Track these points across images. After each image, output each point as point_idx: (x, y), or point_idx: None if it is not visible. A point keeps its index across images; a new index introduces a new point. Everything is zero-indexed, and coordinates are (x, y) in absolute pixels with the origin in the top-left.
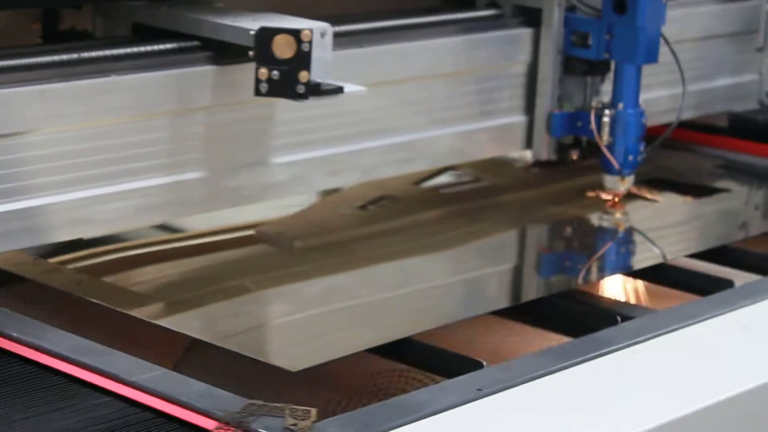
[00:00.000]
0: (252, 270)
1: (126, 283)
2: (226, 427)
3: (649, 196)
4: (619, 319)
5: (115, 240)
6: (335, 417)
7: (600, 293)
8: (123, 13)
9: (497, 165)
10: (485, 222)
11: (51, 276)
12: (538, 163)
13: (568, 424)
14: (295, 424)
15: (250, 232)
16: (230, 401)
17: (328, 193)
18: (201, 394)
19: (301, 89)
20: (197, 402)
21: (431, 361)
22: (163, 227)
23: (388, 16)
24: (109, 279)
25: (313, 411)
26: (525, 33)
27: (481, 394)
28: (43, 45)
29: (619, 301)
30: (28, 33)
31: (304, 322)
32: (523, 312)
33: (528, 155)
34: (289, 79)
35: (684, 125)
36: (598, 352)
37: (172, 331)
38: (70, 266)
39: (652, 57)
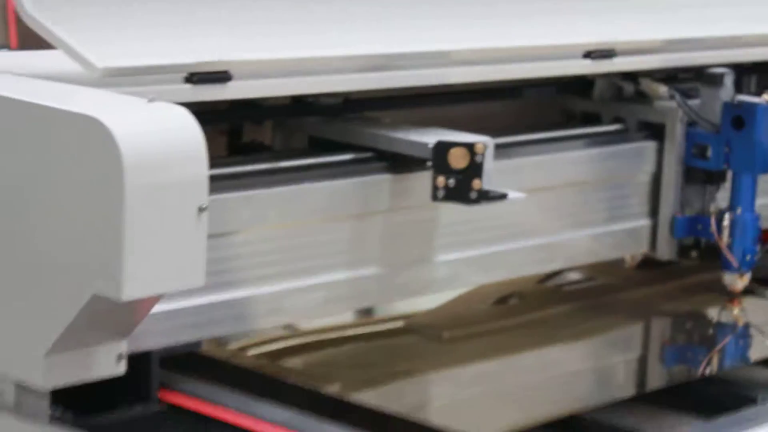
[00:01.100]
0: (411, 356)
1: (304, 365)
2: None
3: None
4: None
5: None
6: None
7: (730, 379)
8: (300, 128)
9: (607, 264)
10: (607, 317)
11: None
12: (642, 264)
13: None
14: None
15: (402, 323)
16: None
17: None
18: None
19: (473, 195)
20: None
21: None
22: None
23: (527, 130)
24: (284, 363)
25: None
26: (650, 146)
27: None
28: (241, 156)
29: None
30: (214, 145)
31: (468, 402)
32: (659, 397)
33: (629, 257)
34: (463, 186)
35: None
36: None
37: (361, 406)
38: (252, 351)
39: (767, 167)
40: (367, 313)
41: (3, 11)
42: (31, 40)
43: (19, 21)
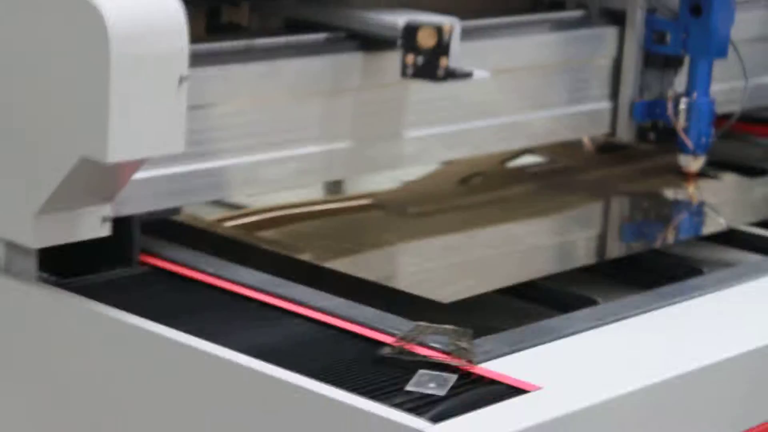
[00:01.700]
0: (379, 230)
1: (277, 236)
2: (403, 342)
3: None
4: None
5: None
6: (490, 336)
7: (679, 253)
8: (276, 10)
9: (566, 148)
10: (559, 198)
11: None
12: (601, 148)
13: (678, 349)
14: (459, 340)
15: (370, 200)
16: (400, 323)
17: (429, 170)
18: (375, 318)
19: (441, 73)
20: (374, 323)
21: (553, 300)
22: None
23: (494, 15)
24: (257, 234)
25: (470, 331)
26: (611, 31)
27: (600, 323)
28: (219, 35)
29: (698, 259)
30: (195, 25)
31: (434, 271)
32: (612, 268)
33: (588, 140)
34: (430, 64)
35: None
36: (690, 295)
37: (334, 272)
38: (227, 224)
39: (723, 53)
40: (336, 191)
41: None
42: None
43: None
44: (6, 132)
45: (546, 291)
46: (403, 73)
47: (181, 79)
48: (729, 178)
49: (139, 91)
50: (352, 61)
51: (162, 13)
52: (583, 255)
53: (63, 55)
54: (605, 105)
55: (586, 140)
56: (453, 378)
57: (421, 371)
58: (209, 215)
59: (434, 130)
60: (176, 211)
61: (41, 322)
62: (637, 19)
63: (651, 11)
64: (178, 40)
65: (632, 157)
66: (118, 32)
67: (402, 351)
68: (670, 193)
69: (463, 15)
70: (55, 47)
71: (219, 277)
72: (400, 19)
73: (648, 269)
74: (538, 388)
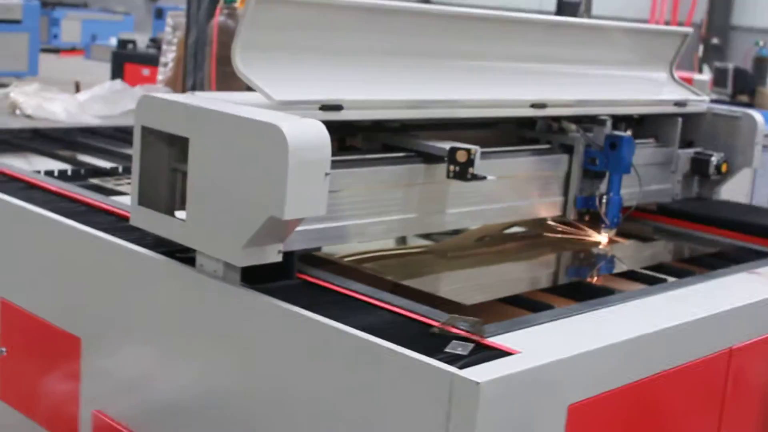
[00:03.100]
0: (430, 265)
1: (373, 266)
2: (444, 325)
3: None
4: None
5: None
6: (492, 323)
7: (600, 282)
8: (377, 138)
9: (537, 223)
10: (534, 250)
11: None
12: (560, 222)
13: (599, 331)
14: (475, 325)
15: (426, 248)
16: (442, 315)
17: (455, 233)
18: (428, 312)
19: (469, 176)
20: (428, 314)
21: (529, 305)
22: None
23: (499, 146)
24: (364, 264)
25: (481, 320)
26: (565, 157)
27: (556, 318)
28: (345, 152)
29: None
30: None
31: (461, 288)
32: (562, 289)
33: (550, 218)
34: (463, 171)
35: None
36: (607, 303)
37: (404, 286)
38: (346, 258)
39: (627, 171)
40: (404, 242)
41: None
42: (221, 85)
43: (218, 71)
44: (228, 199)
45: (525, 300)
46: (447, 176)
47: (326, 174)
48: (629, 243)
49: (303, 179)
50: (419, 168)
51: (317, 135)
52: (546, 281)
53: (265, 157)
54: (560, 198)
55: (548, 219)
56: (471, 346)
57: (453, 341)
58: (336, 253)
59: (464, 209)
60: (318, 249)
61: (241, 310)
62: (579, 150)
63: (587, 146)
64: (325, 151)
65: (574, 230)
66: (293, 144)
67: (443, 330)
68: (596, 250)
69: (483, 144)
70: (259, 152)
71: (341, 286)
72: (447, 145)
73: (583, 291)
74: (518, 352)
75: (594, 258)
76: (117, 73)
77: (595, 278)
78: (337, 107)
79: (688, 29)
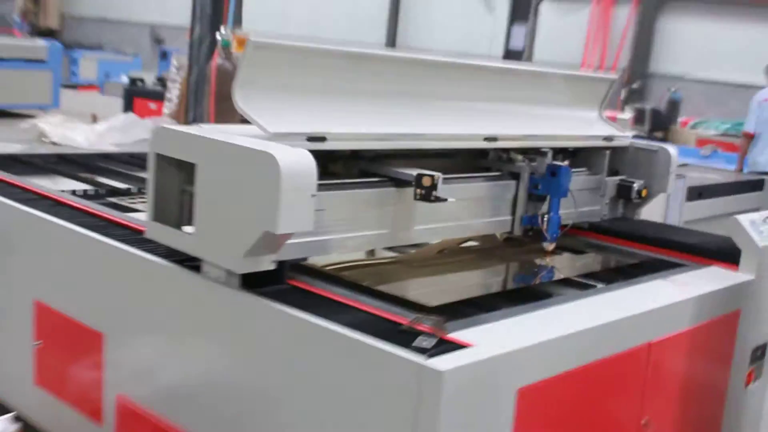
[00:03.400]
0: (400, 273)
1: (351, 274)
2: (411, 322)
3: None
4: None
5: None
6: (452, 321)
7: (541, 288)
8: (355, 166)
9: (489, 238)
10: (486, 261)
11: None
12: (506, 239)
13: (545, 326)
14: (438, 322)
15: (395, 259)
16: (410, 314)
17: (420, 246)
18: (399, 311)
19: (432, 198)
20: (398, 313)
21: (482, 306)
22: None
23: (459, 173)
24: (344, 272)
25: (443, 318)
26: (513, 183)
27: (506, 316)
28: (327, 177)
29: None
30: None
31: (427, 292)
32: (510, 294)
33: (499, 234)
34: (428, 194)
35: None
36: (547, 304)
37: (378, 291)
38: (328, 267)
39: (565, 195)
40: (372, 253)
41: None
42: (218, 118)
43: (216, 106)
44: (229, 216)
45: (479, 302)
46: (414, 198)
47: (313, 196)
48: (566, 255)
49: (292, 199)
50: (391, 191)
51: (305, 163)
52: (496, 287)
53: (258, 181)
54: (509, 217)
55: (498, 234)
56: (435, 340)
57: (420, 336)
58: (319, 262)
59: (428, 226)
60: (305, 259)
61: (241, 310)
62: (525, 177)
63: (531, 173)
64: (312, 176)
65: (520, 244)
66: (284, 169)
67: (411, 327)
68: (538, 261)
69: (444, 171)
70: (253, 176)
71: (324, 290)
72: (414, 172)
73: (527, 294)
74: (472, 345)
75: (536, 267)
76: (128, 106)
77: (538, 284)
78: (322, 138)
79: (615, 76)
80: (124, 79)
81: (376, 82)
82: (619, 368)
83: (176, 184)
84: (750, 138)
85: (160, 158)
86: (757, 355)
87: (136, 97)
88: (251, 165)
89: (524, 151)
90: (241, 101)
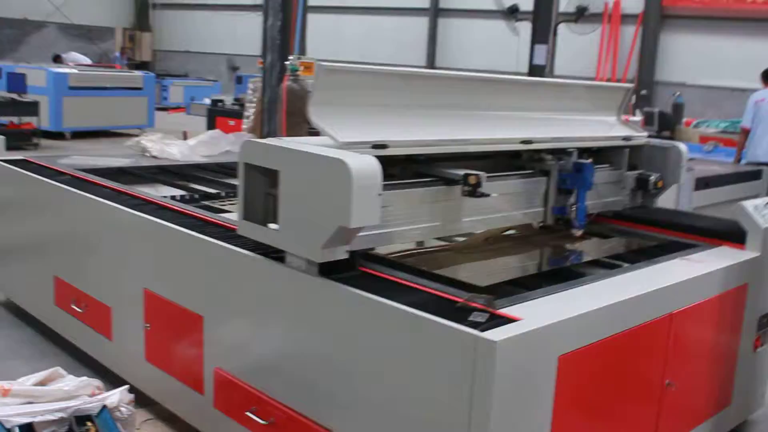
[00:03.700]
0: (452, 258)
1: (412, 260)
2: (466, 301)
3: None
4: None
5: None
6: (501, 298)
7: (573, 268)
8: (412, 167)
9: (526, 227)
10: (525, 246)
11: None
12: (543, 226)
13: (581, 302)
14: (489, 300)
15: (447, 246)
16: (464, 293)
17: (467, 235)
18: (454, 292)
19: (478, 194)
20: (454, 293)
21: (525, 285)
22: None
23: (499, 172)
24: (405, 259)
25: (493, 297)
26: (544, 179)
27: (548, 294)
28: (387, 178)
29: (581, 270)
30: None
31: (476, 274)
32: (547, 274)
33: (535, 223)
34: (474, 191)
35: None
36: (580, 282)
37: (436, 273)
38: (392, 255)
39: (590, 188)
40: (427, 242)
41: (281, 121)
42: (289, 132)
43: (287, 121)
44: (308, 213)
45: (521, 282)
46: (462, 194)
47: (379, 194)
48: (594, 240)
49: (362, 197)
50: (441, 189)
51: (372, 167)
52: (536, 268)
53: (331, 184)
54: (541, 209)
55: (534, 223)
56: (487, 315)
57: (474, 312)
58: (384, 251)
59: (474, 218)
60: (372, 249)
61: (320, 294)
62: (554, 174)
63: (560, 170)
64: (378, 178)
65: (553, 231)
66: (355, 173)
67: (466, 305)
68: (570, 245)
69: (486, 171)
70: (329, 179)
71: (390, 275)
72: (461, 172)
73: (563, 274)
74: (519, 319)
75: (569, 251)
76: (211, 124)
77: (569, 265)
78: (384, 146)
79: (630, 85)
80: (207, 101)
81: (426, 97)
82: (644, 336)
83: (262, 188)
84: (746, 132)
85: (248, 167)
86: (764, 322)
87: (217, 116)
88: (326, 170)
89: (553, 152)
90: (315, 117)
